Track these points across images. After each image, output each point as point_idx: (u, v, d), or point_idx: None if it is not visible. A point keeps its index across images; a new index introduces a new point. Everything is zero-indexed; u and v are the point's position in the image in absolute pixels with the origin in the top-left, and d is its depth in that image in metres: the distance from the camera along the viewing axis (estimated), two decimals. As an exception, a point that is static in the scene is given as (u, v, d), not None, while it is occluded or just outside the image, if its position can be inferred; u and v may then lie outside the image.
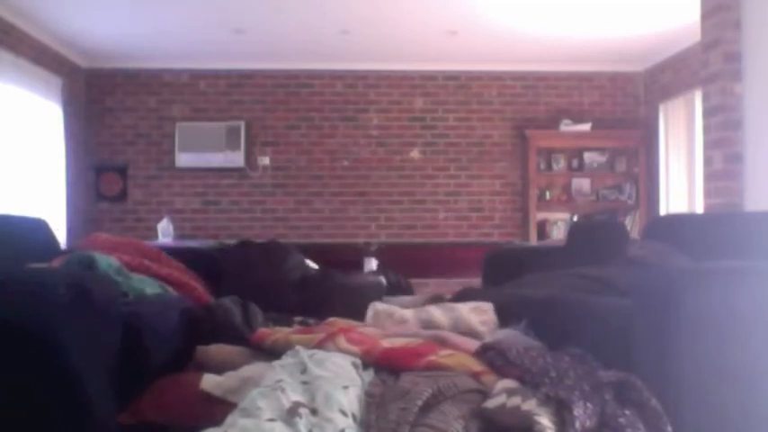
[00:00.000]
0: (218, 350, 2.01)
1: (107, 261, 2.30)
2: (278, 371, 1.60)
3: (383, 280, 3.33)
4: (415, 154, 6.39)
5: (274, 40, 5.65)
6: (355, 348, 1.79)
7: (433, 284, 5.69)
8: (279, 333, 2.00)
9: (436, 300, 2.72)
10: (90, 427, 1.50)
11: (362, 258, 4.55)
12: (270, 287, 2.83)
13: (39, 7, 4.81)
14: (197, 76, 6.31)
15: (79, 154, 6.07)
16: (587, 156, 6.34)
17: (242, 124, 6.21)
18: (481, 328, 2.14)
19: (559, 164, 6.35)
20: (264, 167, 6.30)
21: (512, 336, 1.95)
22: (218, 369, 1.84)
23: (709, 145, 3.53)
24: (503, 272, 3.03)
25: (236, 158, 6.19)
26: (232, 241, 5.03)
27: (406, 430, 1.33)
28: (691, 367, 1.43)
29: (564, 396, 1.34)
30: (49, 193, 5.42)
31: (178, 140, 6.21)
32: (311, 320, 2.42)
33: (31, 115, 5.17)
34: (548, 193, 6.29)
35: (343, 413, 1.40)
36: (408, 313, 2.30)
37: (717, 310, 1.46)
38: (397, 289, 3.69)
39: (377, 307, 2.30)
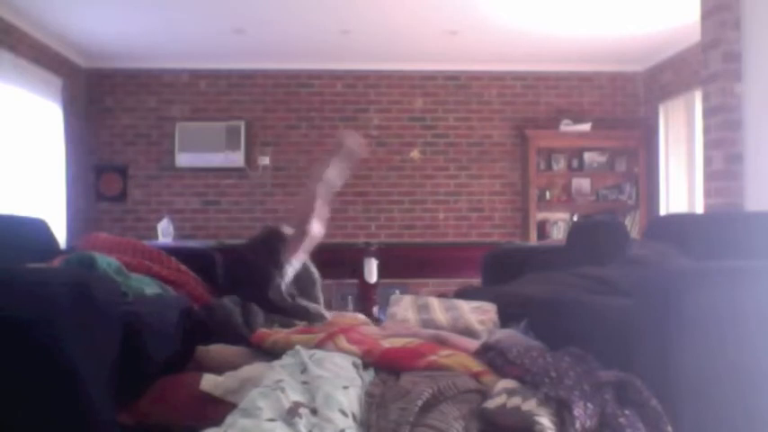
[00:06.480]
0: (218, 350, 2.01)
1: (107, 261, 2.30)
2: (278, 371, 1.60)
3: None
4: (414, 154, 6.39)
5: (274, 39, 5.65)
6: (355, 348, 1.79)
7: (432, 284, 5.69)
8: (279, 333, 2.00)
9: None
10: (90, 427, 1.50)
11: (362, 258, 4.54)
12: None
13: (39, 7, 4.81)
14: (197, 76, 6.31)
15: (79, 154, 6.06)
16: (587, 156, 6.34)
17: (242, 124, 6.21)
18: (478, 328, 2.14)
19: (559, 164, 6.35)
20: (264, 167, 6.29)
21: (512, 336, 1.95)
22: (218, 369, 1.84)
23: (709, 145, 3.53)
24: (503, 272, 3.03)
25: (236, 158, 6.19)
26: (232, 241, 5.02)
27: (406, 430, 1.33)
28: (691, 367, 1.43)
29: (564, 396, 1.34)
30: (49, 193, 5.41)
31: (178, 140, 6.21)
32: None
33: (31, 115, 5.16)
34: (548, 193, 6.29)
35: (344, 413, 1.40)
36: (410, 312, 2.31)
37: (717, 310, 1.46)
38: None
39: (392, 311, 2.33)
